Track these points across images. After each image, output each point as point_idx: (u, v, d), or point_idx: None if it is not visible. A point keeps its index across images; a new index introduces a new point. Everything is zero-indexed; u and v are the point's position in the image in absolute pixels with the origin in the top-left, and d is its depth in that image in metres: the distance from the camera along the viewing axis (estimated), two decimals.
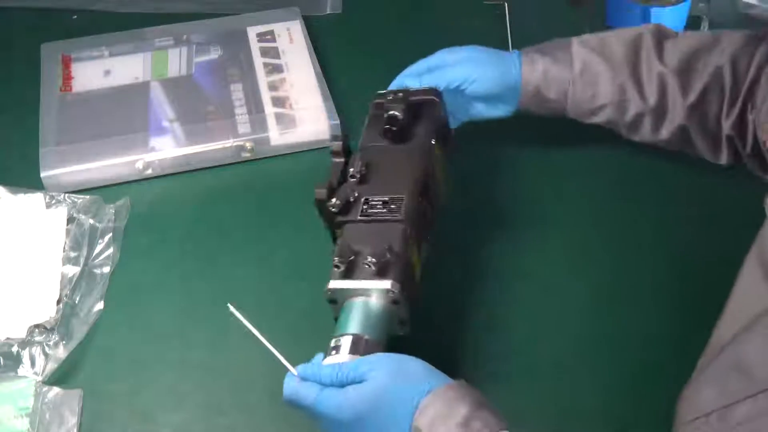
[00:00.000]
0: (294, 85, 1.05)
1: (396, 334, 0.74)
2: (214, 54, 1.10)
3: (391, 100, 0.84)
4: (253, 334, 0.68)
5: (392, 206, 0.77)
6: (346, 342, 0.69)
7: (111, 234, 0.91)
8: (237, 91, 1.04)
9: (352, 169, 0.80)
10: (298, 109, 1.02)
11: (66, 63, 1.09)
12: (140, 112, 1.02)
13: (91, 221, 0.91)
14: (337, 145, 0.82)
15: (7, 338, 0.81)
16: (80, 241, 0.89)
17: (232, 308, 0.69)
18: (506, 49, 1.13)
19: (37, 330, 0.82)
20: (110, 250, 0.89)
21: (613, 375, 0.78)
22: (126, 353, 0.82)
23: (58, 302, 0.84)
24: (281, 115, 1.01)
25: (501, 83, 0.89)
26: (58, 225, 0.90)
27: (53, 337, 0.81)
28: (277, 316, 0.82)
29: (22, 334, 0.81)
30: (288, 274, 0.88)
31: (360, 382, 0.64)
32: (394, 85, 0.92)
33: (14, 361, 0.79)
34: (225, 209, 0.95)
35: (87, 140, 0.98)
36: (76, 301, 0.85)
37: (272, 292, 0.86)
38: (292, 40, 1.12)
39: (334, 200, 0.77)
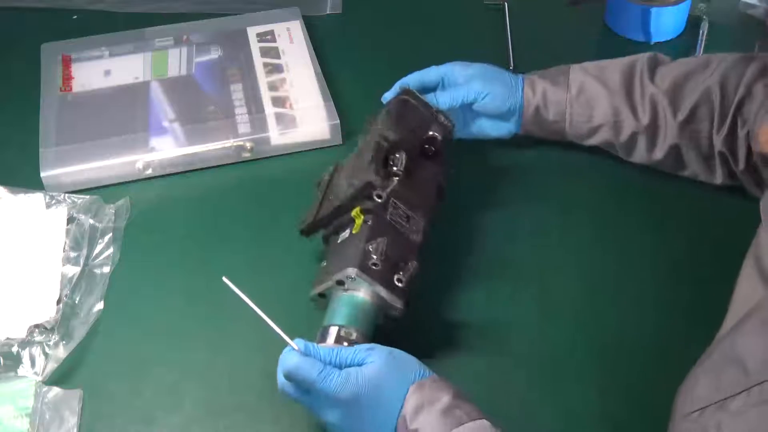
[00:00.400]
0: (294, 85, 1.05)
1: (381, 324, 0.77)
2: (214, 54, 1.10)
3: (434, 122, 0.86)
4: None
5: (412, 221, 0.80)
6: (333, 332, 0.73)
7: (111, 234, 0.91)
8: (237, 91, 1.04)
9: (395, 168, 0.82)
10: (298, 109, 1.02)
11: (66, 63, 1.09)
12: (140, 112, 1.02)
13: (91, 221, 0.91)
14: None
15: (7, 338, 0.81)
16: (80, 241, 0.89)
17: (226, 281, 0.69)
18: (506, 49, 1.13)
19: (37, 330, 0.82)
20: (110, 250, 0.89)
21: (610, 376, 0.78)
22: (126, 353, 0.82)
23: (58, 302, 0.84)
24: (281, 115, 1.01)
25: (508, 102, 0.93)
26: (58, 225, 0.90)
27: (53, 337, 0.81)
28: (277, 315, 0.82)
29: (22, 334, 0.81)
30: (288, 274, 0.88)
31: (359, 365, 0.67)
32: (390, 94, 0.93)
33: (14, 361, 0.80)
34: (225, 209, 0.95)
35: (87, 140, 0.98)
36: (76, 301, 0.85)
37: (272, 291, 0.86)
38: (292, 40, 1.12)
39: (377, 188, 0.79)
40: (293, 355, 0.67)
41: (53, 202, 0.93)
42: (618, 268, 0.87)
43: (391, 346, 0.70)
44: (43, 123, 1.01)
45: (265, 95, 1.04)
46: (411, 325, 0.77)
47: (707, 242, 0.89)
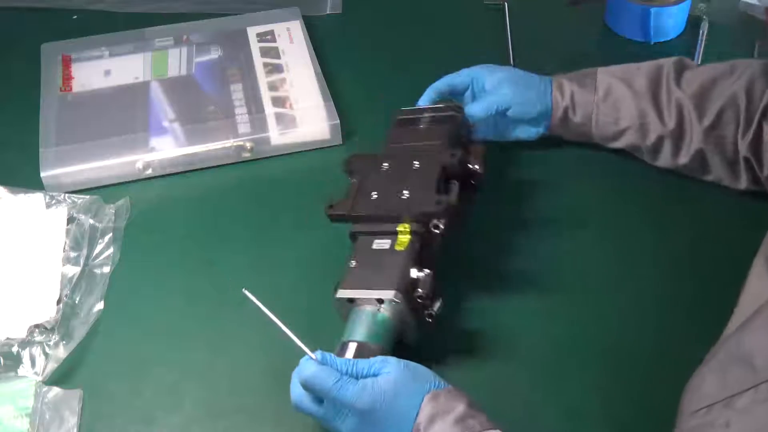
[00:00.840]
0: (294, 85, 1.05)
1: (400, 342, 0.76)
2: (214, 54, 1.10)
3: (459, 152, 0.83)
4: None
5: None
6: (352, 347, 0.72)
7: (111, 234, 0.91)
8: (237, 91, 1.04)
9: (449, 196, 0.80)
10: (298, 109, 1.02)
11: (66, 63, 1.09)
12: (140, 112, 1.02)
13: (91, 221, 0.91)
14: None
15: (7, 338, 0.81)
16: (80, 241, 0.89)
17: (247, 293, 0.71)
18: (506, 49, 1.13)
19: (37, 330, 0.82)
20: (110, 250, 0.89)
21: (613, 377, 0.78)
22: (126, 353, 0.82)
23: (58, 302, 0.84)
24: (281, 115, 1.01)
25: (538, 106, 0.93)
26: (58, 225, 0.90)
27: (53, 337, 0.81)
28: (277, 315, 0.82)
29: (22, 334, 0.81)
30: (288, 274, 0.88)
31: (375, 376, 0.67)
32: (425, 99, 0.94)
33: (14, 361, 0.79)
34: (225, 209, 0.95)
35: (87, 140, 0.98)
36: (76, 301, 0.85)
37: (272, 291, 0.86)
38: (292, 40, 1.12)
39: (438, 219, 0.78)
40: (311, 364, 0.68)
41: (53, 202, 0.93)
42: (620, 268, 0.87)
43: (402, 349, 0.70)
44: (43, 123, 1.01)
45: (265, 95, 1.04)
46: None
47: (709, 241, 0.89)
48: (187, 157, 0.98)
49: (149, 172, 0.98)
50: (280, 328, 0.69)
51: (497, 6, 1.20)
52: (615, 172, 0.96)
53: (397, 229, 0.78)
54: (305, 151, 1.01)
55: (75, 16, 1.21)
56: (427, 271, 0.75)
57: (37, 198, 0.93)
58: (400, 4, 1.23)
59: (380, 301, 0.74)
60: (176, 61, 1.09)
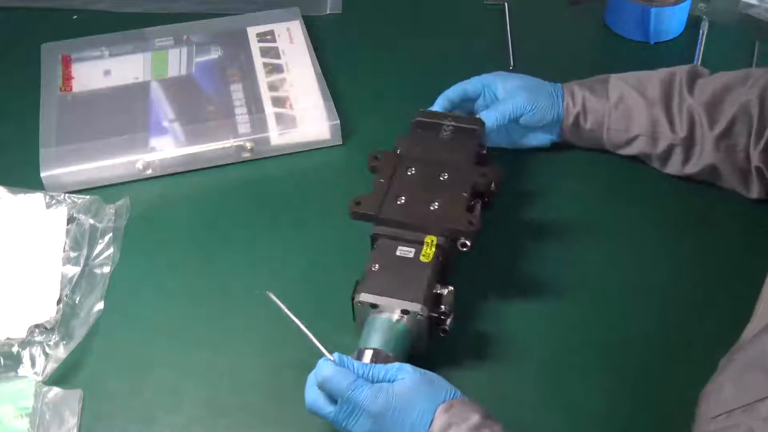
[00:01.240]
0: (294, 85, 1.05)
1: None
2: (214, 54, 1.10)
3: (489, 173, 0.84)
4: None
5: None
6: (368, 354, 0.73)
7: (111, 234, 0.91)
8: (237, 91, 1.04)
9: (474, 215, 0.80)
10: (298, 109, 1.02)
11: (66, 63, 1.09)
12: (140, 112, 1.02)
13: (91, 221, 0.91)
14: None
15: (7, 338, 0.81)
16: (80, 241, 0.89)
17: (271, 296, 0.72)
18: (506, 49, 1.13)
19: (37, 330, 0.82)
20: (110, 250, 0.89)
21: (619, 380, 0.78)
22: (126, 353, 0.82)
23: (58, 302, 0.84)
24: (281, 115, 1.01)
25: (551, 113, 0.93)
26: (58, 225, 0.90)
27: (53, 337, 0.81)
28: (276, 316, 0.82)
29: (22, 334, 0.81)
30: (288, 274, 0.88)
31: (391, 382, 0.68)
32: (436, 107, 0.94)
33: (14, 361, 0.79)
34: (225, 209, 0.95)
35: (87, 140, 0.98)
36: (76, 301, 0.85)
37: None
38: (292, 40, 1.12)
39: (466, 237, 0.78)
40: (329, 365, 0.68)
41: (53, 202, 0.93)
42: (627, 272, 0.87)
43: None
44: (43, 123, 1.01)
45: (265, 95, 1.04)
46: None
47: (718, 247, 0.89)
48: (187, 157, 0.98)
49: (149, 172, 0.98)
50: (301, 329, 0.71)
51: (497, 6, 1.20)
52: (624, 176, 0.96)
53: (425, 240, 0.78)
54: (305, 151, 1.01)
55: (75, 16, 1.21)
56: (450, 288, 0.75)
57: (37, 198, 0.93)
58: (400, 4, 1.23)
59: (405, 312, 0.74)
60: (176, 61, 1.09)
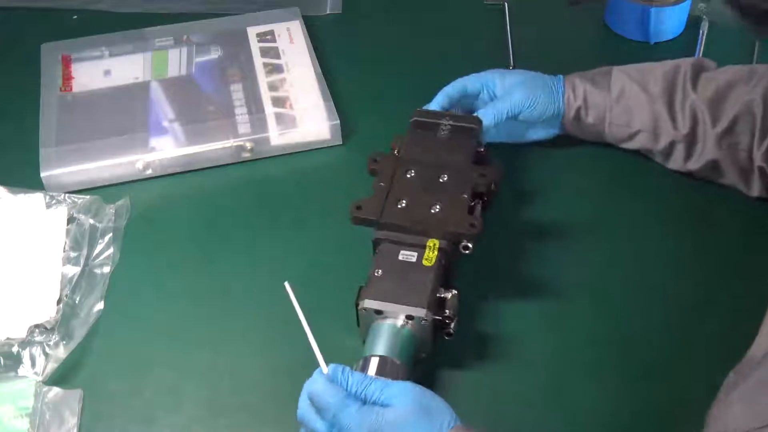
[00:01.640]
0: (294, 85, 1.05)
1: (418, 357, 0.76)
2: (214, 54, 1.10)
3: (488, 173, 0.83)
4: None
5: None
6: (374, 363, 0.72)
7: (111, 234, 0.91)
8: (237, 91, 1.04)
9: (476, 216, 0.80)
10: (298, 109, 1.02)
11: (66, 63, 1.09)
12: (140, 112, 1.02)
13: (91, 221, 0.91)
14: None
15: (7, 338, 0.81)
16: (80, 241, 0.89)
17: (288, 289, 0.71)
18: (506, 49, 1.13)
19: (37, 330, 0.82)
20: (110, 250, 0.89)
21: (621, 382, 0.78)
22: (126, 353, 0.82)
23: (58, 302, 0.84)
24: (281, 115, 1.01)
25: (551, 108, 0.92)
26: (58, 225, 0.90)
27: (53, 337, 0.81)
28: (276, 316, 0.82)
29: (22, 334, 0.81)
30: (288, 275, 0.87)
31: (384, 406, 0.65)
32: (435, 104, 0.93)
33: (14, 361, 0.79)
34: (225, 209, 0.95)
35: (87, 140, 0.98)
36: (76, 301, 0.85)
37: (272, 292, 0.86)
38: (292, 40, 1.12)
39: (468, 240, 0.78)
40: (319, 379, 0.67)
41: (53, 202, 0.93)
42: (630, 272, 0.87)
43: None
44: (43, 123, 1.01)
45: (265, 95, 1.03)
46: None
47: (722, 246, 0.88)
48: (187, 157, 0.98)
49: (149, 172, 0.98)
50: (305, 331, 0.69)
51: (497, 6, 1.20)
52: (625, 171, 0.95)
53: (427, 243, 0.78)
54: (305, 151, 1.01)
55: (75, 16, 1.21)
56: (453, 291, 0.75)
57: (37, 198, 0.93)
58: (400, 4, 1.23)
59: (409, 317, 0.74)
60: (176, 61, 1.09)
